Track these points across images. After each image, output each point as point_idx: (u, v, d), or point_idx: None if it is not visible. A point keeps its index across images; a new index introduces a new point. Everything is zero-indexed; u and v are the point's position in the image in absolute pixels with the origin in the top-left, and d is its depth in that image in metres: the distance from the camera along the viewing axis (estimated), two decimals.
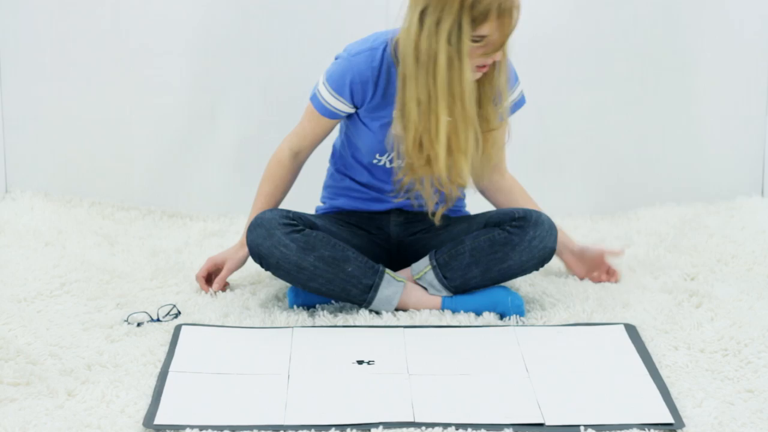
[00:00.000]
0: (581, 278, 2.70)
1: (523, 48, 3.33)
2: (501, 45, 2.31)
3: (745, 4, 3.34)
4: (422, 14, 2.30)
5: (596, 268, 2.69)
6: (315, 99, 2.52)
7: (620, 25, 3.34)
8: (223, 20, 3.29)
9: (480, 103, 2.42)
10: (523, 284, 2.66)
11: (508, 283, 2.59)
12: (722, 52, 3.37)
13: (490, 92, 2.42)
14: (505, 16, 2.27)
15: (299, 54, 3.21)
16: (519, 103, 2.55)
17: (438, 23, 2.28)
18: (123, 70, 3.31)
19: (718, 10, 3.34)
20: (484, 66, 2.36)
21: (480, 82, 2.41)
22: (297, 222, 2.48)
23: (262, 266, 2.49)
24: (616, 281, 2.68)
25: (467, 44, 2.29)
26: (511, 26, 2.29)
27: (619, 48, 3.35)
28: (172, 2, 3.28)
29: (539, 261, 2.49)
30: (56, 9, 3.26)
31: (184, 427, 1.96)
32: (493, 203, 2.68)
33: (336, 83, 2.47)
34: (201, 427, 1.95)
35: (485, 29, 2.28)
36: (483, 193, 2.66)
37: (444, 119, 2.34)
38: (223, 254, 2.64)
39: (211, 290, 2.60)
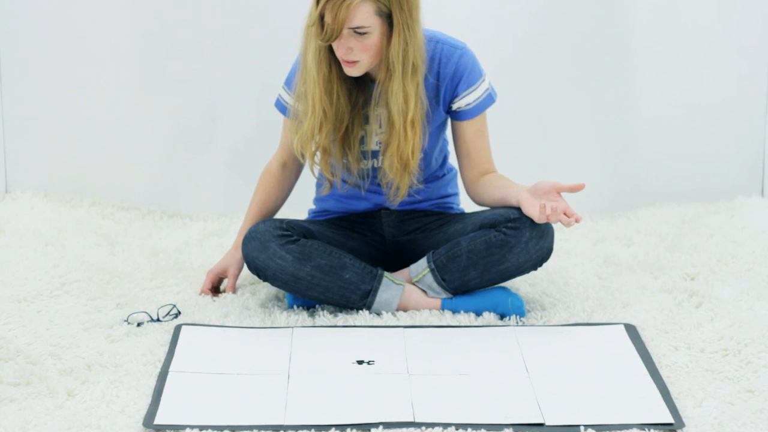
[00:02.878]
0: (537, 219, 2.37)
1: (523, 48, 3.36)
2: (332, 34, 2.33)
3: (746, 4, 3.34)
4: None
5: (549, 201, 2.38)
6: (278, 104, 2.60)
7: (620, 26, 3.34)
8: (223, 21, 3.29)
9: (387, 105, 2.44)
10: (523, 284, 2.66)
11: (508, 284, 2.59)
12: (722, 52, 3.37)
13: (383, 98, 2.43)
14: (335, 6, 2.30)
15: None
16: (486, 101, 2.53)
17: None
18: (123, 70, 3.31)
19: (718, 10, 3.35)
20: (350, 62, 2.38)
21: (383, 89, 2.42)
22: (291, 232, 2.49)
23: (259, 277, 2.50)
24: (578, 221, 2.34)
25: (310, 26, 2.37)
26: (340, 19, 2.31)
27: (619, 48, 3.35)
28: (171, 3, 3.28)
29: (537, 261, 2.48)
30: (56, 9, 3.26)
31: (184, 427, 1.95)
32: (485, 203, 2.62)
33: (289, 81, 2.55)
34: (201, 427, 1.95)
35: (324, 15, 2.33)
36: (477, 200, 2.62)
37: (300, 88, 2.46)
38: (222, 263, 2.64)
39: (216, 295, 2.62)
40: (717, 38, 3.36)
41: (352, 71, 2.40)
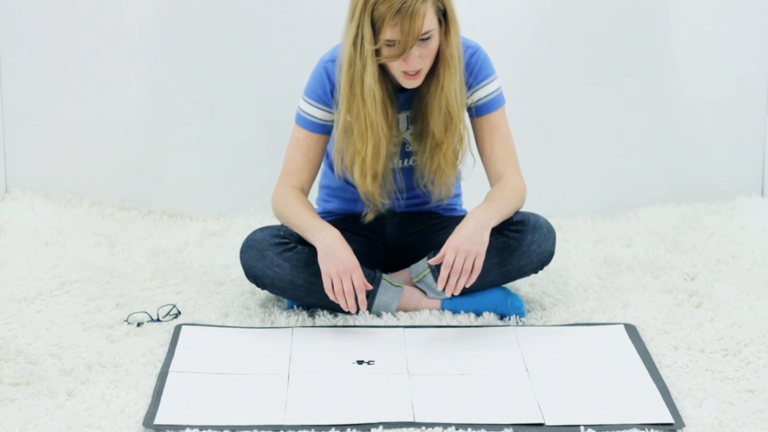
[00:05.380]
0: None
1: (523, 49, 3.36)
2: (405, 48, 2.28)
3: (746, 4, 3.34)
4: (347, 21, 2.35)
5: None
6: (300, 118, 2.50)
7: (620, 26, 3.34)
8: (224, 21, 3.29)
9: (423, 113, 2.42)
10: (523, 284, 2.66)
11: (509, 284, 2.59)
12: (722, 52, 3.37)
13: (434, 102, 2.40)
14: (405, 20, 2.25)
15: (300, 54, 3.21)
16: (500, 99, 2.51)
17: (348, 29, 2.33)
18: (123, 70, 3.31)
19: (719, 10, 3.35)
20: (414, 75, 2.34)
21: (422, 93, 2.40)
22: (289, 239, 2.47)
23: (257, 286, 2.48)
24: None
25: (369, 48, 2.30)
26: (415, 30, 2.26)
27: (619, 48, 3.35)
28: (172, 3, 3.28)
29: (538, 264, 2.48)
30: (56, 9, 3.26)
31: (184, 427, 1.96)
32: None
33: (315, 93, 2.47)
34: (201, 427, 1.95)
35: (387, 33, 2.28)
36: None
37: (344, 116, 2.39)
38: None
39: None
40: (717, 38, 3.36)
41: (415, 81, 2.36)
